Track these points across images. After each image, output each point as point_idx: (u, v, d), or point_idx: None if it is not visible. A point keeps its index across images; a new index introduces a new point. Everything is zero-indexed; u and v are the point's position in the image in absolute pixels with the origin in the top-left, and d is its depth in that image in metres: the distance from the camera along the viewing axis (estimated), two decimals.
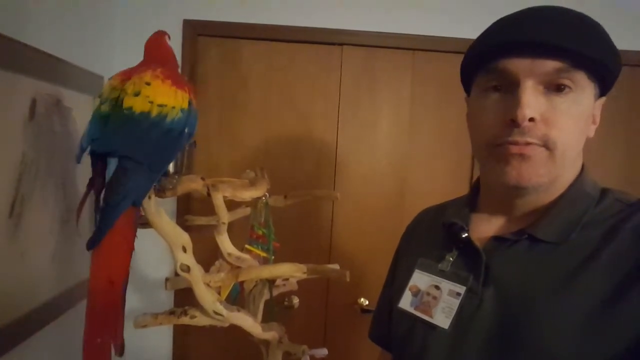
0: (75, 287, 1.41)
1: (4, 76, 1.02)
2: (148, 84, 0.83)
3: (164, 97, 0.83)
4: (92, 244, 0.77)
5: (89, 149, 0.82)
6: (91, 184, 0.84)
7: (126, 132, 0.81)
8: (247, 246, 1.19)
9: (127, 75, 0.86)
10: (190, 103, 0.87)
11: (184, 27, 1.71)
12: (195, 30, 1.72)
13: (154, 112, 0.81)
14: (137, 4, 1.69)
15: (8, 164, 1.06)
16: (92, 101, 1.44)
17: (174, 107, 0.83)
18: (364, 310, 1.80)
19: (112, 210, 0.78)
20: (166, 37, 0.98)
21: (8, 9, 1.05)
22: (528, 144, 0.63)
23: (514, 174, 0.65)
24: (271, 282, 1.18)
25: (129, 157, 0.80)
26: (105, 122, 0.82)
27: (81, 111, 1.37)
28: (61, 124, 1.28)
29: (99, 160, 0.84)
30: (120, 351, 0.81)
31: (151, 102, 0.81)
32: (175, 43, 1.71)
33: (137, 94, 0.82)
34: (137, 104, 0.81)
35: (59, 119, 1.25)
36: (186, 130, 0.85)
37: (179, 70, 1.05)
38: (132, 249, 0.82)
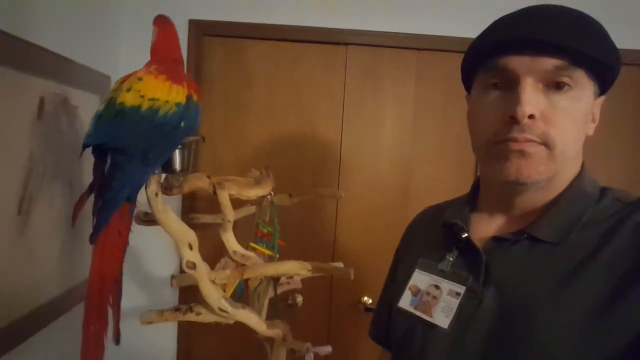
0: (81, 285, 1.42)
1: (12, 76, 1.03)
2: (140, 79, 0.85)
3: (155, 92, 0.84)
4: (91, 240, 0.81)
5: (91, 147, 0.85)
6: (92, 186, 0.87)
7: (116, 124, 0.82)
8: (252, 244, 1.19)
9: (127, 76, 0.88)
10: (189, 98, 0.87)
11: (190, 27, 1.72)
12: (200, 30, 1.73)
13: (145, 106, 0.82)
14: (143, 4, 1.70)
15: (16, 162, 1.07)
16: (98, 100, 1.46)
17: (167, 102, 0.84)
18: (368, 309, 1.80)
19: (107, 206, 0.81)
20: (166, 26, 0.99)
21: (16, 9, 1.07)
22: (528, 141, 0.64)
23: (513, 170, 0.65)
24: (276, 280, 1.19)
25: (120, 150, 0.81)
26: (99, 119, 0.84)
27: (88, 110, 1.38)
28: (68, 122, 1.29)
29: (99, 161, 0.86)
30: (116, 340, 0.86)
31: (142, 97, 0.83)
32: (181, 43, 1.72)
33: (129, 90, 0.84)
34: (128, 99, 0.83)
35: (67, 117, 1.27)
36: (182, 124, 0.86)
37: (185, 66, 1.06)
38: (125, 244, 0.86)
